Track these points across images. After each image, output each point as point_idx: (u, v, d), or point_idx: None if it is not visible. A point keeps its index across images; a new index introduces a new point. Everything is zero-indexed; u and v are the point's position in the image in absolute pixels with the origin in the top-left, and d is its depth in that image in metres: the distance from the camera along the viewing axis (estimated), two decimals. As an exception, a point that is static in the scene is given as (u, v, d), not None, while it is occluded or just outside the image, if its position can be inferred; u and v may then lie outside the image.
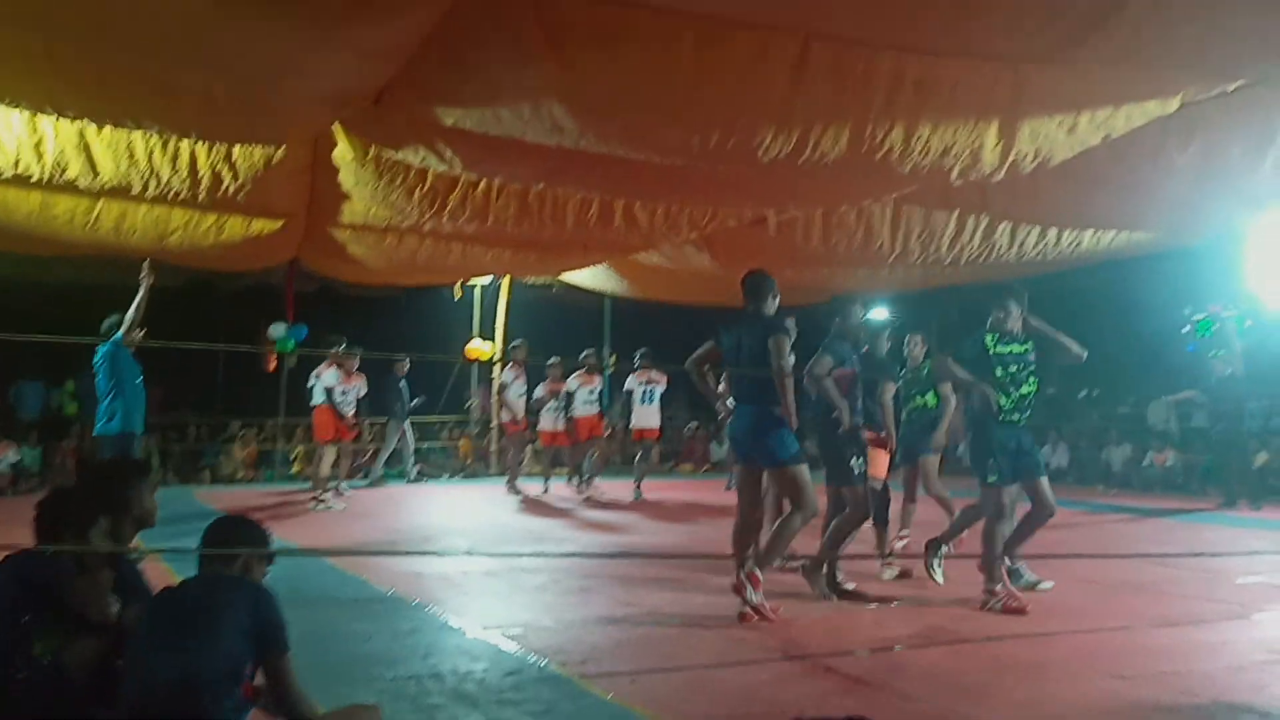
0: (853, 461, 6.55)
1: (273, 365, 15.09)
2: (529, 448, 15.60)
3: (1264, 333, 13.12)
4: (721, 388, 12.52)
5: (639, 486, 13.21)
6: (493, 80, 5.29)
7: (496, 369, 13.99)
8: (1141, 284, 14.19)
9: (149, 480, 3.97)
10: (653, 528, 10.72)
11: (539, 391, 13.57)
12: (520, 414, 13.75)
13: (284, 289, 13.86)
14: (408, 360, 14.51)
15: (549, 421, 13.65)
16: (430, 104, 5.83)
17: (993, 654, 5.29)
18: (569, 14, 4.61)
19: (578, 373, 13.61)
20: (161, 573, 5.76)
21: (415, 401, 14.91)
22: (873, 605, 6.35)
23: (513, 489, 13.55)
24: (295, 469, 16.14)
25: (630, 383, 13.85)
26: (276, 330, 13.86)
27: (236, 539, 3.38)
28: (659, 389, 13.76)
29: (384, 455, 15.00)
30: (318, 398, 12.14)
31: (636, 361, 13.64)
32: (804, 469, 6.11)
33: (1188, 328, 15.31)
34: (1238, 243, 9.70)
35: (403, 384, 14.63)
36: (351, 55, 5.26)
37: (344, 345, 12.32)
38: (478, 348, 16.33)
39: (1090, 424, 17.68)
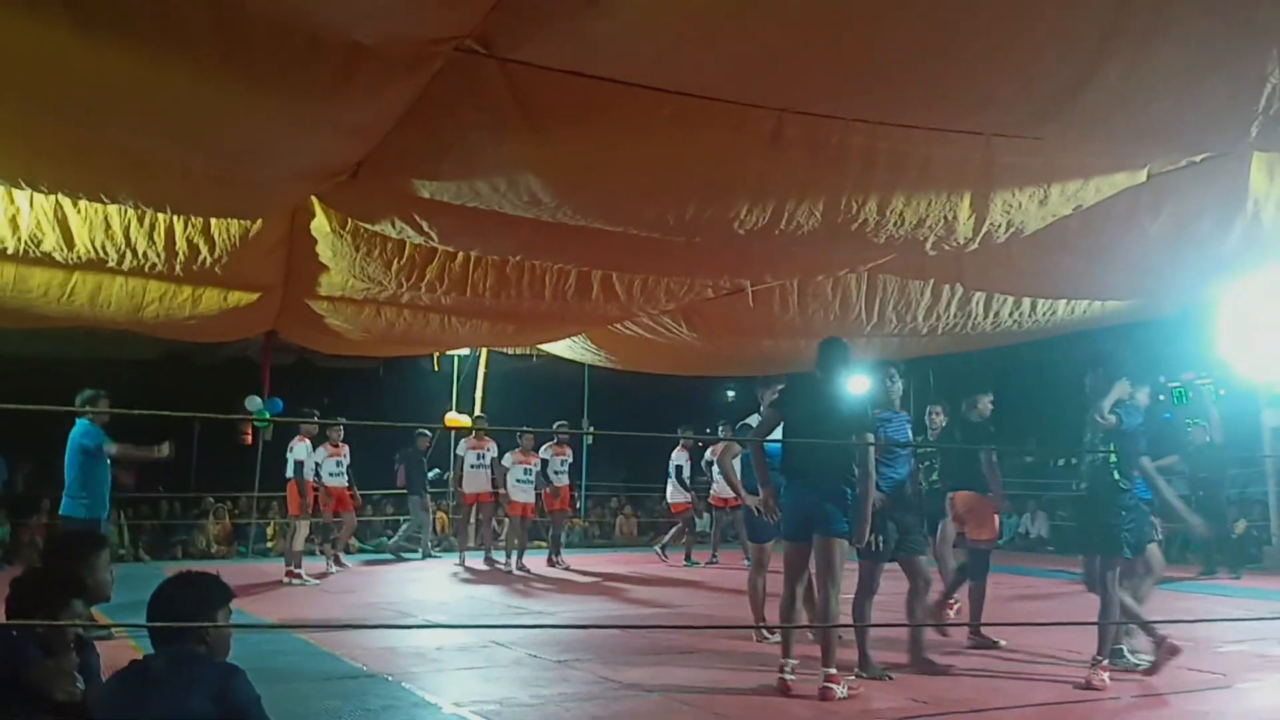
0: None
1: (249, 439, 14.98)
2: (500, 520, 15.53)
3: (1236, 401, 13.22)
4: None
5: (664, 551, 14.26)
6: (470, 154, 5.32)
7: (463, 443, 13.80)
8: (1117, 353, 14.29)
9: (103, 554, 3.89)
10: (630, 600, 10.60)
11: (508, 461, 13.39)
12: (479, 487, 13.54)
13: (260, 361, 13.79)
14: (429, 435, 14.56)
15: (519, 493, 13.43)
16: (407, 177, 5.85)
17: (977, 728, 5.23)
18: (545, 89, 4.65)
19: (550, 443, 13.51)
20: (122, 649, 5.63)
21: (432, 474, 14.84)
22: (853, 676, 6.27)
23: (488, 562, 13.39)
24: (270, 544, 15.93)
25: (678, 458, 14.02)
26: (253, 403, 13.76)
27: (189, 599, 3.22)
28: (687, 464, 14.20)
29: (425, 531, 15.10)
30: (290, 471, 12.04)
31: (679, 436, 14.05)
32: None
33: (1163, 396, 15.43)
34: (1209, 311, 9.80)
35: (423, 459, 14.66)
36: (330, 132, 5.28)
37: (317, 416, 12.26)
38: (456, 418, 16.25)
39: (1070, 492, 17.68)
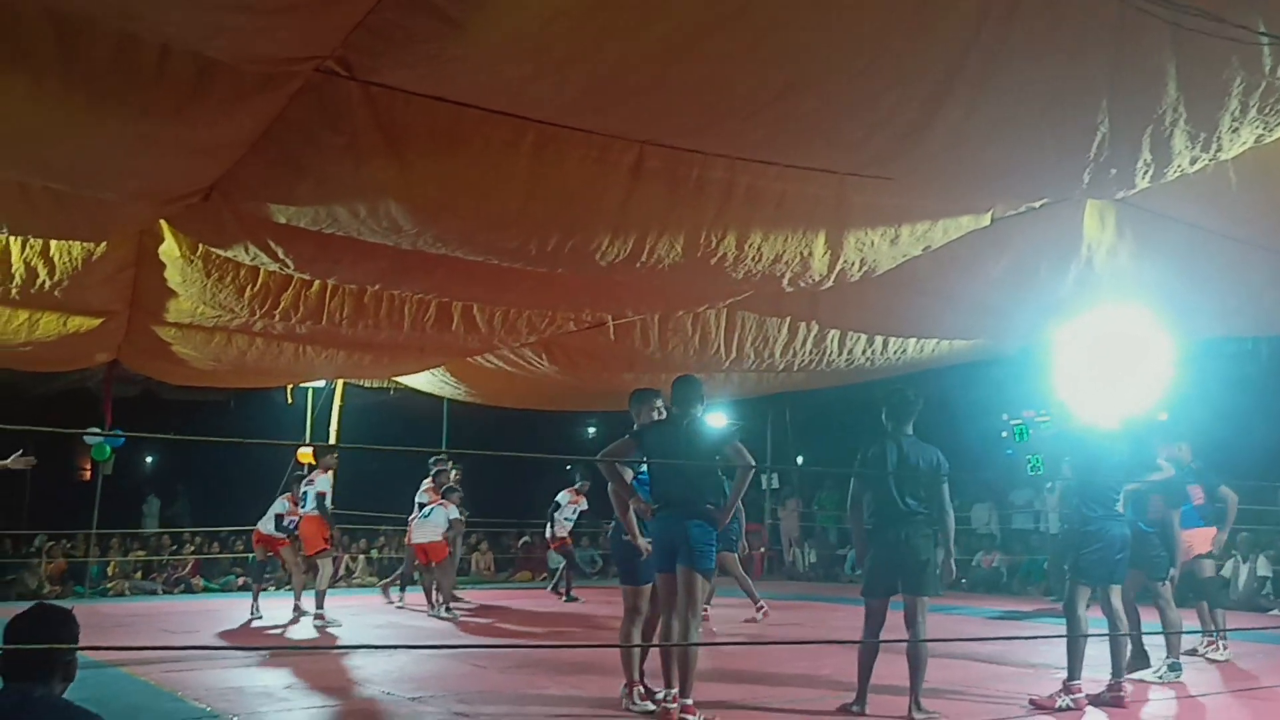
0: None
1: (88, 474, 14.31)
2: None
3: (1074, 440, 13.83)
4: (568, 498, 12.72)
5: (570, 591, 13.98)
6: (328, 179, 5.22)
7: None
8: (963, 390, 14.88)
9: None
10: (490, 635, 10.47)
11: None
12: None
13: (101, 393, 13.18)
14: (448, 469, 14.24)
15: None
16: (262, 202, 5.71)
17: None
18: (407, 113, 4.62)
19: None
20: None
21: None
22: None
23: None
24: (110, 584, 15.17)
25: (562, 498, 14.00)
26: (92, 437, 13.17)
27: (46, 633, 3.00)
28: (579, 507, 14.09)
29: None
30: (311, 506, 11.35)
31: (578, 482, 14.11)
32: None
33: (1006, 433, 16.10)
34: (1048, 351, 10.28)
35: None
36: (179, 152, 5.11)
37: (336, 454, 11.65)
38: (309, 452, 15.82)
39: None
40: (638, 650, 6.56)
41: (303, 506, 11.47)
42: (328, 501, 11.41)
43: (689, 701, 5.84)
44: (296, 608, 11.49)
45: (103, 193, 5.71)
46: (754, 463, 6.15)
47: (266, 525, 11.76)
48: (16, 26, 3.87)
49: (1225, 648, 8.36)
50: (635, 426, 6.45)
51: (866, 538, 6.38)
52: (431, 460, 13.06)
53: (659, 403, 6.62)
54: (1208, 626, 8.48)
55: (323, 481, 11.45)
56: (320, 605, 11.23)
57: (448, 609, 11.85)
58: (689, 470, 6.07)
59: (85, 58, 4.02)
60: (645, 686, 6.48)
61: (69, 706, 2.96)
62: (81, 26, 3.90)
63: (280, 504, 11.75)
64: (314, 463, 13.22)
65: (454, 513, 12.48)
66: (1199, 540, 8.69)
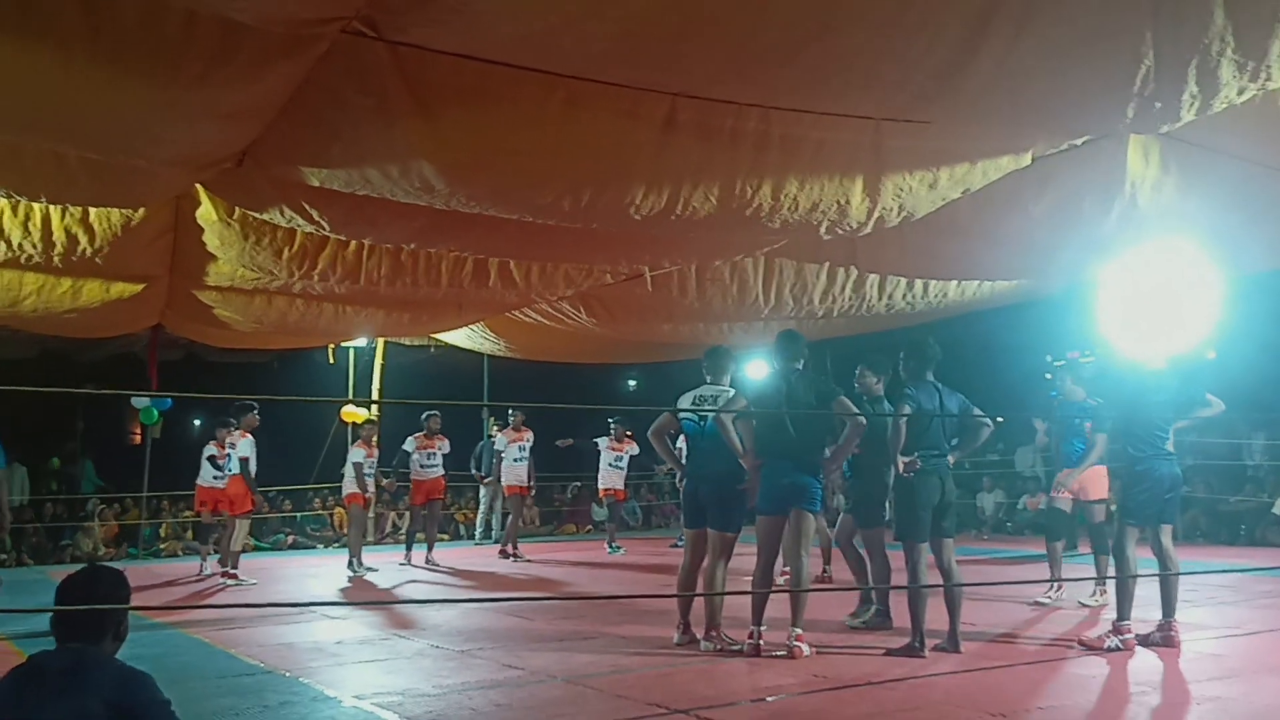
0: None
1: (138, 438, 14.51)
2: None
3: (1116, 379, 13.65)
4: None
5: (515, 548, 13.36)
6: (359, 141, 5.21)
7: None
8: (1005, 333, 14.72)
9: None
10: (536, 588, 10.58)
11: (409, 446, 13.01)
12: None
13: (146, 357, 13.33)
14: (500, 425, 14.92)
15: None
16: (295, 165, 5.71)
17: (874, 697, 5.33)
18: (435, 73, 4.58)
19: (416, 434, 13.10)
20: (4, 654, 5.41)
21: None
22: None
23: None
24: (164, 545, 15.45)
25: (500, 441, 13.95)
26: (140, 401, 13.32)
27: (101, 593, 3.04)
28: (528, 446, 13.90)
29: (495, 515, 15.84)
30: (234, 468, 11.38)
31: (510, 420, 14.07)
32: None
33: (1049, 374, 15.91)
34: (1091, 291, 10.12)
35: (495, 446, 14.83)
36: (210, 119, 5.12)
37: (255, 411, 11.54)
38: (353, 411, 15.95)
39: (962, 471, 18.15)
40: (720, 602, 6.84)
41: (228, 470, 11.40)
42: (250, 466, 11.27)
43: (799, 630, 6.28)
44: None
45: (135, 159, 5.73)
46: (860, 414, 6.57)
47: (205, 478, 11.70)
48: (42, -3, 3.87)
49: (1103, 594, 8.03)
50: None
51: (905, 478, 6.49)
52: (424, 415, 13.06)
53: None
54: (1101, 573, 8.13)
55: (245, 445, 11.26)
56: (235, 565, 11.16)
57: (354, 564, 11.77)
58: (795, 422, 6.43)
59: (111, 25, 4.02)
60: (692, 632, 6.67)
61: (121, 666, 3.01)
62: (106, -6, 3.90)
63: (209, 448, 11.73)
64: (356, 424, 13.34)
65: (358, 456, 12.19)
66: (1091, 483, 8.49)
